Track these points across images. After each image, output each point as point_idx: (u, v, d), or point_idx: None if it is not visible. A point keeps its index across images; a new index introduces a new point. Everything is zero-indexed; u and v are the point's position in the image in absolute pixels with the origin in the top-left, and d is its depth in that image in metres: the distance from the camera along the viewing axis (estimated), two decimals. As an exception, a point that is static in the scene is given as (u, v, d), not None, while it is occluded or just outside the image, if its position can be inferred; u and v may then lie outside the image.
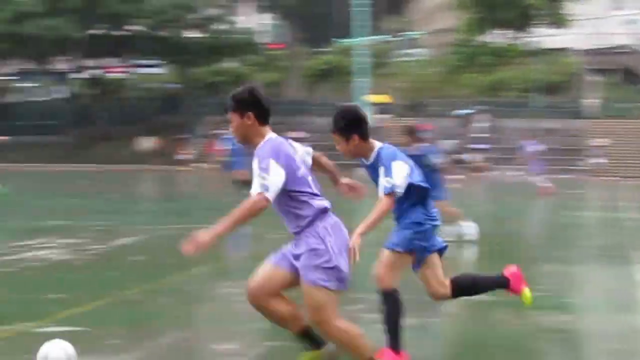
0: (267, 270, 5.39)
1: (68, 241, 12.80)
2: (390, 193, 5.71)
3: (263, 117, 5.36)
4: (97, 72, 53.72)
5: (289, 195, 5.22)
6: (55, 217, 16.76)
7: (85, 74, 52.93)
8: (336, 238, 5.22)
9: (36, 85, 57.19)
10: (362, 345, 5.33)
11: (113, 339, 6.58)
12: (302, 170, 5.31)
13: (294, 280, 5.28)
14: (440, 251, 6.15)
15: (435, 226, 6.07)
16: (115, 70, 55.50)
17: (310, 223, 5.24)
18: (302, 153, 5.45)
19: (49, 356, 5.40)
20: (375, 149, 5.89)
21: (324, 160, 5.76)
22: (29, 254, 11.46)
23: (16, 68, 55.18)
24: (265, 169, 5.09)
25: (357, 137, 5.81)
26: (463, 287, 6.27)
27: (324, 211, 5.28)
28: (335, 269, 5.16)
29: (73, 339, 6.21)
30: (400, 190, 5.73)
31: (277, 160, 5.13)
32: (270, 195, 5.07)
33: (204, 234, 4.98)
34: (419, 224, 5.97)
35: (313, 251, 5.18)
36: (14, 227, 14.84)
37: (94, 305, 8.12)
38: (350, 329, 5.29)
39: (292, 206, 5.25)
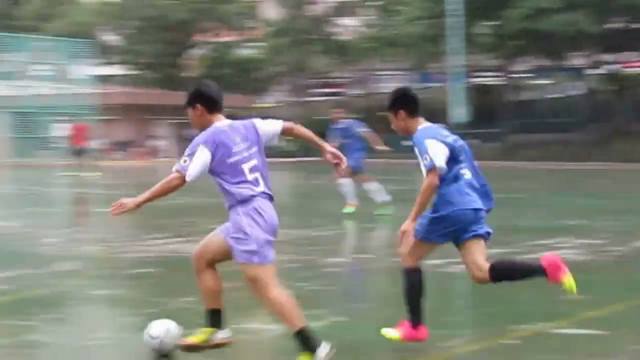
0: (210, 236, 6.20)
1: (585, 241, 12.80)
2: (431, 169, 6.05)
3: (211, 107, 6.11)
4: (615, 67, 52.90)
5: (217, 178, 5.96)
6: (572, 216, 16.83)
7: (602, 69, 52.40)
8: (257, 217, 5.85)
9: (551, 82, 57.95)
10: (294, 315, 5.88)
11: (634, 344, 6.45)
12: (236, 159, 5.92)
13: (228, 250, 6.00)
14: (482, 236, 6.29)
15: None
16: (634, 64, 54.23)
17: (232, 207, 5.93)
18: (255, 143, 6.02)
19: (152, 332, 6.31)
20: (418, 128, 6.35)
21: (298, 129, 6.33)
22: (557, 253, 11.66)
23: (531, 65, 56.42)
24: (191, 153, 5.89)
25: (403, 112, 6.40)
26: (501, 271, 6.27)
27: (247, 199, 5.88)
28: (253, 249, 5.82)
29: (588, 341, 6.22)
30: (440, 165, 6.05)
31: (205, 145, 5.90)
32: (189, 176, 5.86)
33: (128, 200, 5.84)
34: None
35: (235, 234, 5.88)
36: (535, 226, 15.17)
37: (613, 308, 8.02)
38: (283, 299, 5.87)
39: (220, 187, 6.00)
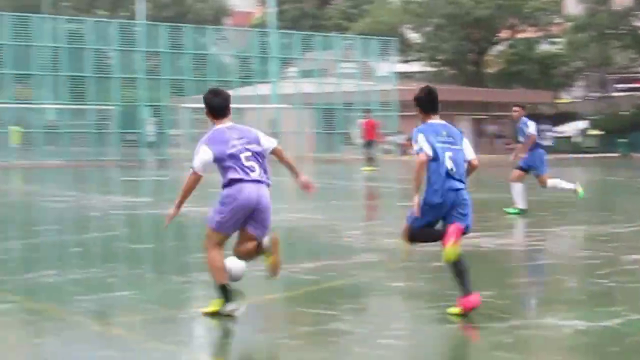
0: None
1: None
2: (417, 154, 7.67)
3: (213, 114, 7.68)
4: None
5: (219, 164, 7.44)
6: None
7: None
8: (230, 200, 7.37)
9: None
10: (219, 273, 7.45)
11: None
12: (234, 150, 7.42)
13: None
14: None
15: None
16: None
17: (223, 187, 7.45)
18: (254, 141, 7.55)
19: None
20: None
21: (282, 153, 7.77)
22: None
23: None
24: (197, 151, 7.48)
25: (419, 110, 8.06)
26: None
27: (233, 181, 7.38)
28: (220, 219, 7.42)
29: None
30: (423, 150, 7.66)
31: (207, 144, 7.46)
32: (197, 169, 7.43)
33: (170, 210, 7.59)
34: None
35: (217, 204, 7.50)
36: None
37: None
38: (216, 259, 7.46)
39: (220, 173, 7.49)
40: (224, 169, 7.44)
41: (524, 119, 16.07)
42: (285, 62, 52.07)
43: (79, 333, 7.33)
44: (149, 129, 45.28)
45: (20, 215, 17.90)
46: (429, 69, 67.85)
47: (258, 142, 7.59)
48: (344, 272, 10.02)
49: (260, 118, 45.07)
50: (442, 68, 67.02)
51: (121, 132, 44.74)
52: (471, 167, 7.92)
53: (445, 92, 57.11)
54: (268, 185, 7.55)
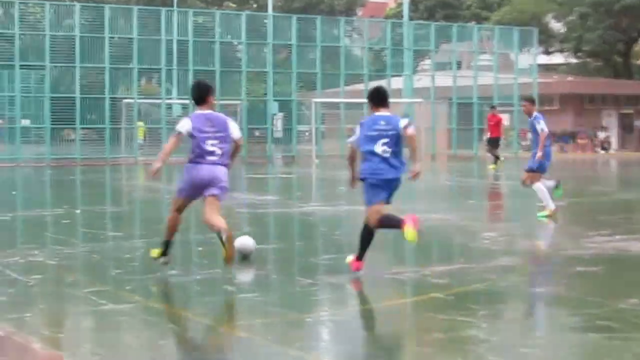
0: None
1: None
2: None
3: (196, 101, 9.67)
4: None
5: (192, 141, 9.40)
6: None
7: None
8: (190, 174, 9.41)
9: None
10: (170, 232, 9.70)
11: None
12: (202, 136, 9.29)
13: None
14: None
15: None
16: None
17: (189, 161, 9.41)
18: (223, 129, 9.48)
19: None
20: None
21: (237, 150, 9.68)
22: None
23: None
24: (179, 122, 9.57)
25: (370, 104, 9.77)
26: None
27: (195, 160, 9.32)
28: (178, 187, 9.71)
29: None
30: (350, 142, 9.81)
31: (189, 119, 9.52)
32: (181, 131, 9.36)
33: (154, 165, 9.42)
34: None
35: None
36: None
37: None
38: (171, 220, 9.70)
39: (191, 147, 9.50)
40: (192, 145, 9.36)
41: (536, 114, 15.50)
42: (420, 54, 51.78)
43: (202, 335, 7.41)
44: (277, 124, 45.71)
45: (143, 213, 18.31)
46: (572, 60, 66.41)
47: (226, 130, 9.46)
48: (480, 276, 9.84)
49: (393, 112, 44.93)
50: (586, 59, 65.46)
51: (248, 128, 45.35)
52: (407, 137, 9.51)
53: (590, 85, 55.93)
54: (225, 165, 9.41)
